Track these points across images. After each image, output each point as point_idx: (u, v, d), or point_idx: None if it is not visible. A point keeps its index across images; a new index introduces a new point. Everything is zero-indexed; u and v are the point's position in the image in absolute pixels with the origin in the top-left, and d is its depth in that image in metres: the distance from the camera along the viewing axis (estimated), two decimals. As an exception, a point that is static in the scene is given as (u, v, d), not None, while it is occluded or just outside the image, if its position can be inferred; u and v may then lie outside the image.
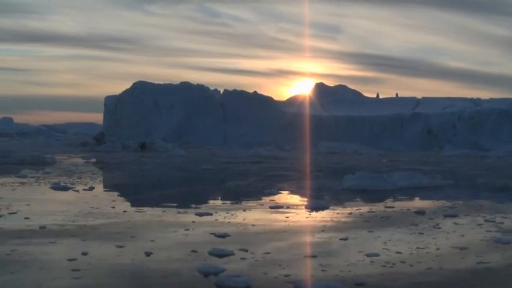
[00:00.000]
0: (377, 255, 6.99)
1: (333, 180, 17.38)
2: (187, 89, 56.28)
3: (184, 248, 7.28)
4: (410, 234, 8.56)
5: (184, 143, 52.99)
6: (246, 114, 55.87)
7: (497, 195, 14.70)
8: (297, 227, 9.09)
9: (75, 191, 13.82)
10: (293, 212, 10.81)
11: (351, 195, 14.16)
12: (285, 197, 13.24)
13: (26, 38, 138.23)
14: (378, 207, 11.60)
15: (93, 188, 14.53)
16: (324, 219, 10.00)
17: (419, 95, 62.53)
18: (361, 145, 48.59)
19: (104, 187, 14.73)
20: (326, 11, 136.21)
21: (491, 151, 45.50)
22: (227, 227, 8.88)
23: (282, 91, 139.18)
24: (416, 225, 9.38)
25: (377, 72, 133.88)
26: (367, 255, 6.95)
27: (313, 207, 11.47)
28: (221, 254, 7.01)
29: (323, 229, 8.89)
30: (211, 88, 60.59)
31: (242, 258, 6.75)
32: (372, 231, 8.73)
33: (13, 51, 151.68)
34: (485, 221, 9.93)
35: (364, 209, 11.38)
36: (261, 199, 13.01)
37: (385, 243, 7.81)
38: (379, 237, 8.30)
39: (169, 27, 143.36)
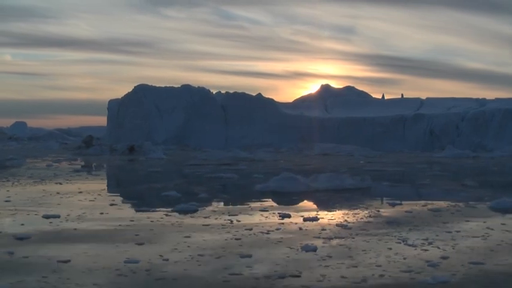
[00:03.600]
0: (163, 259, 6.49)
1: (265, 182, 16.68)
2: (188, 92, 56.04)
3: None
4: (226, 240, 7.96)
5: (184, 145, 52.87)
6: (248, 117, 55.32)
7: (410, 196, 13.89)
8: (126, 230, 8.59)
9: (-29, 193, 13.61)
10: (154, 215, 10.30)
11: (248, 197, 13.58)
12: (175, 199, 12.65)
13: (43, 43, 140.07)
14: (246, 211, 11.02)
15: (-3, 190, 14.34)
16: (170, 222, 9.45)
17: (434, 95, 60.86)
18: (360, 147, 47.48)
19: (7, 189, 14.48)
20: (341, 12, 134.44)
21: (494, 152, 43.99)
22: (36, 230, 8.46)
23: (298, 93, 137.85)
24: (250, 229, 8.76)
25: (392, 73, 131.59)
26: (162, 256, 6.69)
27: (182, 210, 10.96)
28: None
29: (137, 233, 8.35)
30: (222, 91, 60.41)
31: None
32: (187, 236, 8.16)
33: (30, 56, 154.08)
34: (337, 225, 9.26)
35: (233, 212, 10.77)
36: (148, 200, 12.59)
37: (188, 246, 7.28)
38: (187, 237, 7.85)
39: (184, 30, 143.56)
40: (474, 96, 57.98)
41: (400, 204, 12.10)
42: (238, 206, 11.94)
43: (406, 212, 10.94)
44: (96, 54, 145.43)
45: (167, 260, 6.68)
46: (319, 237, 8.16)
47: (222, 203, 12.42)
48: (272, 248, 7.41)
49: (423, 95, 60.82)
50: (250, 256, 6.87)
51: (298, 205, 12.25)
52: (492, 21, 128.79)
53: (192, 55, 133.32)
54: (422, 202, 12.54)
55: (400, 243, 7.77)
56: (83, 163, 28.72)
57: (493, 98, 54.76)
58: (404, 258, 6.81)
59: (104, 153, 38.76)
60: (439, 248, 7.48)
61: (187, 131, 54.72)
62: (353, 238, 8.13)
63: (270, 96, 58.56)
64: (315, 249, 7.30)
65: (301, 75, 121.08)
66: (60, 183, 16.54)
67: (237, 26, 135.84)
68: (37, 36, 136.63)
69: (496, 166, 28.27)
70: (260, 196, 13.76)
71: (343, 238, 8.09)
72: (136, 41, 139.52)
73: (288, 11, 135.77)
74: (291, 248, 7.37)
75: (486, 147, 47.53)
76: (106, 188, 15.17)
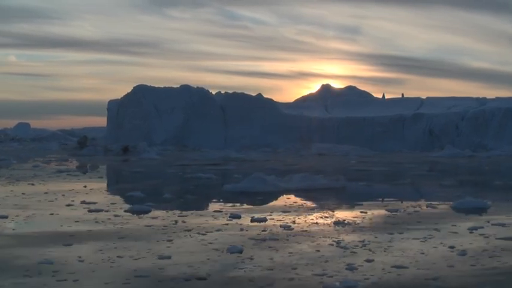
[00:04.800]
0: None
1: (236, 183, 16.56)
2: (187, 92, 55.99)
3: None
4: (158, 241, 7.83)
5: (183, 146, 52.83)
6: (247, 117, 55.17)
7: (378, 196, 13.69)
8: (64, 231, 8.50)
9: None
10: (103, 216, 10.20)
11: (212, 198, 13.48)
12: (137, 200, 12.50)
13: (47, 44, 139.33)
14: (199, 212, 10.89)
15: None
16: (114, 223, 9.34)
17: (439, 95, 60.46)
18: (359, 147, 47.18)
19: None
20: (346, 12, 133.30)
21: (493, 151, 43.53)
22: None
23: (303, 93, 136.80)
24: (189, 230, 8.63)
25: (397, 73, 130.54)
26: (80, 257, 6.32)
27: (134, 210, 10.86)
28: None
29: (73, 234, 8.24)
30: (226, 91, 60.30)
31: None
32: (121, 238, 8.03)
33: (34, 57, 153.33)
34: (281, 226, 9.09)
35: (185, 213, 10.65)
36: (109, 200, 12.54)
37: (115, 247, 7.16)
38: (121, 238, 7.71)
39: (189, 30, 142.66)
40: (479, 96, 57.36)
41: (361, 204, 11.91)
42: (195, 207, 11.82)
43: (361, 212, 10.74)
44: (100, 55, 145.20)
45: (83, 261, 6.56)
46: (254, 239, 8.00)
47: (180, 204, 12.26)
48: (198, 250, 7.26)
49: (428, 95, 60.30)
50: (169, 258, 6.74)
51: (256, 206, 12.08)
52: (497, 20, 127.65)
53: (196, 55, 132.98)
54: (385, 203, 12.34)
55: (332, 245, 7.59)
56: (72, 164, 28.71)
57: (493, 97, 54.09)
58: (326, 261, 6.63)
59: (97, 153, 38.72)
60: (370, 250, 7.29)
61: (186, 132, 54.65)
62: (287, 239, 7.96)
63: (275, 97, 58.50)
64: (240, 250, 7.15)
65: (305, 75, 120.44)
66: (33, 184, 16.48)
67: (241, 26, 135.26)
68: (41, 37, 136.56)
69: (489, 165, 27.94)
70: (225, 196, 13.64)
71: (277, 240, 7.93)
72: (141, 42, 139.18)
73: (293, 11, 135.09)
74: (217, 250, 7.22)
75: (486, 147, 47.06)
76: (74, 188, 15.07)
